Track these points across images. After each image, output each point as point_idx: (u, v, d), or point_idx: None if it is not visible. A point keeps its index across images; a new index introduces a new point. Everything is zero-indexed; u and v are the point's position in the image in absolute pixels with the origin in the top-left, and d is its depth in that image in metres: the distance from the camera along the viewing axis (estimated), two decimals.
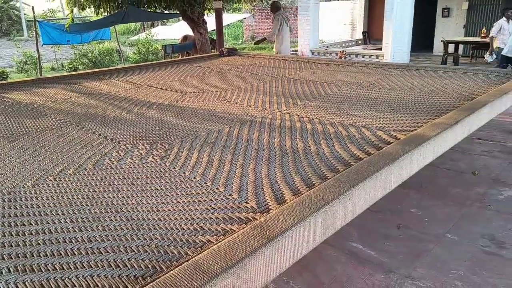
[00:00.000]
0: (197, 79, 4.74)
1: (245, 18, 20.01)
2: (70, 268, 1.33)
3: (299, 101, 3.47)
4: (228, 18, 16.55)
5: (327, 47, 11.08)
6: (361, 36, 13.41)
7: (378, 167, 1.96)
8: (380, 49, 8.93)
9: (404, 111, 2.97)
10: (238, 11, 21.31)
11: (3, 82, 6.89)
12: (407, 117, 2.81)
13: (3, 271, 1.33)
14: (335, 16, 16.31)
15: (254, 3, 13.20)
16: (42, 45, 11.47)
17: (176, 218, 1.63)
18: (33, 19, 11.06)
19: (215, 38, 8.91)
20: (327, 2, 16.94)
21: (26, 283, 1.27)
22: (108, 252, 1.42)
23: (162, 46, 11.85)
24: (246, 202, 1.75)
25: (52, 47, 14.31)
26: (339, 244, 2.60)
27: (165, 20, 21.27)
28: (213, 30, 9.08)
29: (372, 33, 13.36)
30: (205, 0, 9.80)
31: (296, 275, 2.34)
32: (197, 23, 9.91)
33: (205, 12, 10.08)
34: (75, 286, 1.24)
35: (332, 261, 2.45)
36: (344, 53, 9.14)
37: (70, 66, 14.00)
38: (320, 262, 2.44)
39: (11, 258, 1.40)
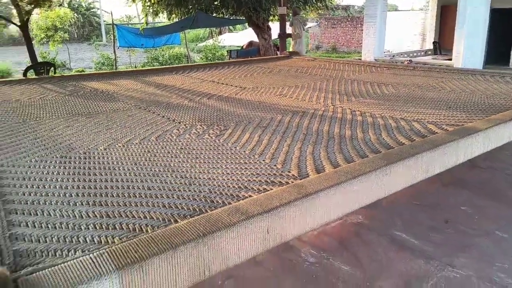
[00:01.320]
0: (257, 77, 4.95)
1: (310, 27, 20.16)
2: (131, 205, 1.55)
3: (354, 98, 3.56)
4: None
5: (393, 56, 10.92)
6: (431, 47, 13.05)
7: (420, 150, 2.03)
8: (451, 59, 8.69)
9: (461, 110, 2.96)
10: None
11: (84, 73, 7.60)
12: (462, 114, 2.81)
13: (83, 203, 1.58)
14: (405, 26, 16.00)
15: (319, 11, 13.32)
16: (118, 48, 12.36)
17: (224, 179, 1.81)
18: (111, 23, 11.96)
19: (278, 44, 9.16)
20: (397, 12, 16.67)
21: (96, 212, 1.50)
22: (163, 197, 1.63)
23: (228, 51, 12.30)
24: (288, 172, 1.90)
25: (127, 50, 15.32)
26: (382, 231, 2.65)
27: (232, 27, 21.97)
28: (276, 38, 9.37)
29: (443, 43, 12.94)
30: (270, 7, 10.10)
31: (337, 253, 2.43)
32: (261, 29, 10.22)
33: (270, 18, 10.37)
34: (135, 217, 1.45)
35: (374, 245, 2.51)
36: (410, 63, 8.99)
37: (142, 67, 14.92)
38: (362, 244, 2.52)
39: (84, 195, 1.66)
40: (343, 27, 19.98)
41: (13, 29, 24.50)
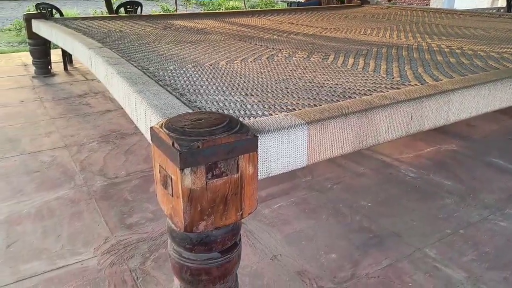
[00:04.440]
0: (333, 21, 5.00)
1: None
2: (280, 97, 1.76)
3: (444, 37, 3.58)
4: None
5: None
6: (503, 4, 12.35)
7: None
8: None
9: None
10: None
11: (169, 13, 7.96)
12: None
13: (236, 93, 1.81)
14: None
15: None
16: None
17: (349, 86, 1.98)
18: None
19: None
20: None
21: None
22: (303, 92, 1.83)
23: (288, 3, 12.20)
24: (392, 79, 2.04)
25: (183, 3, 15.47)
26: (478, 157, 2.77)
27: None
28: None
29: None
30: None
31: (436, 172, 2.58)
32: None
33: None
34: (292, 103, 1.66)
35: (472, 167, 2.65)
36: None
37: None
38: (459, 166, 2.65)
39: (234, 89, 1.88)
40: None
41: None
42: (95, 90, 4.50)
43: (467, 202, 2.26)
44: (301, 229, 2.05)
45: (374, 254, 1.86)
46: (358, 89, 1.91)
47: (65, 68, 5.44)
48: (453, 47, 3.06)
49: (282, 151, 1.30)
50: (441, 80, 2.00)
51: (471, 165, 2.68)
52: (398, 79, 2.12)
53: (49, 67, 5.16)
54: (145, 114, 1.53)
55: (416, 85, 1.95)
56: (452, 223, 2.08)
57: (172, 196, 1.12)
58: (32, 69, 5.20)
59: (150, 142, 1.22)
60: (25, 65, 5.66)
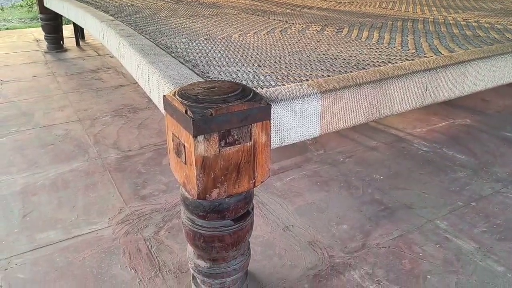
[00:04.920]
0: None
1: None
2: (294, 68, 1.75)
3: (461, 10, 3.49)
4: None
5: None
6: None
7: None
8: None
9: None
10: None
11: None
12: None
13: (252, 64, 1.80)
14: None
15: None
16: None
17: (363, 57, 1.96)
18: None
19: None
20: None
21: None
22: (316, 63, 1.81)
23: None
24: (407, 51, 2.00)
25: None
26: (492, 132, 2.74)
27: None
28: None
29: None
30: None
31: (449, 144, 2.56)
32: None
33: None
34: (306, 74, 1.65)
35: (485, 141, 2.62)
36: None
37: None
38: (473, 140, 2.62)
39: (251, 60, 1.87)
40: None
41: None
42: (108, 65, 4.51)
43: (479, 176, 2.25)
44: (313, 201, 2.07)
45: (385, 225, 1.87)
46: (372, 60, 1.89)
47: (77, 44, 5.44)
48: (469, 20, 2.99)
49: (295, 120, 1.30)
50: (457, 52, 1.96)
51: (484, 139, 2.65)
52: (414, 51, 2.08)
53: (61, 42, 5.17)
54: (157, 85, 1.54)
55: (431, 56, 1.92)
56: (464, 196, 2.08)
57: (185, 164, 1.13)
58: (45, 44, 5.21)
59: (163, 111, 1.23)
60: (37, 41, 5.68)
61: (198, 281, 1.44)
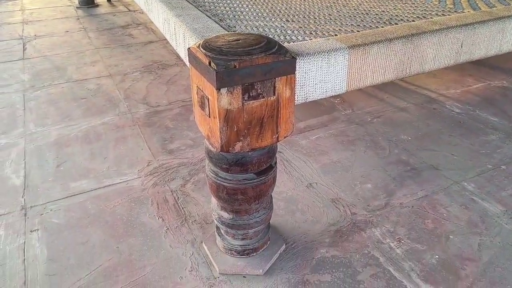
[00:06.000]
0: None
1: None
2: (323, 23, 1.70)
3: None
4: None
5: None
6: None
7: None
8: None
9: None
10: None
11: None
12: None
13: (286, 20, 1.76)
14: None
15: None
16: None
17: (397, 13, 1.88)
18: None
19: None
20: None
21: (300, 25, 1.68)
22: (347, 19, 1.75)
23: None
24: (445, 6, 1.90)
25: None
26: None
27: None
28: None
29: None
30: None
31: (483, 108, 2.48)
32: None
33: None
34: (336, 30, 1.60)
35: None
36: None
37: None
38: (509, 102, 2.52)
39: (278, 19, 1.83)
40: None
41: None
42: (138, 22, 4.51)
43: None
44: (338, 159, 2.06)
45: (410, 185, 1.86)
46: (406, 16, 1.81)
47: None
48: None
49: (321, 75, 1.28)
50: (497, 7, 1.85)
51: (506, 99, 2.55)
52: (452, 6, 1.98)
53: None
54: (184, 38, 1.53)
55: (469, 12, 1.82)
56: (495, 159, 2.02)
57: (209, 116, 1.15)
58: None
59: (188, 64, 1.23)
60: None
61: (222, 231, 1.49)
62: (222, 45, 1.12)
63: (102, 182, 1.93)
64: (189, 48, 1.19)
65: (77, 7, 5.07)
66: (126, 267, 1.48)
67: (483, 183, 1.86)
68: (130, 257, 1.52)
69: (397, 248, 1.54)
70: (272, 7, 1.98)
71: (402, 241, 1.57)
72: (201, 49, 1.11)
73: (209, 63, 1.05)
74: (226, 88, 1.06)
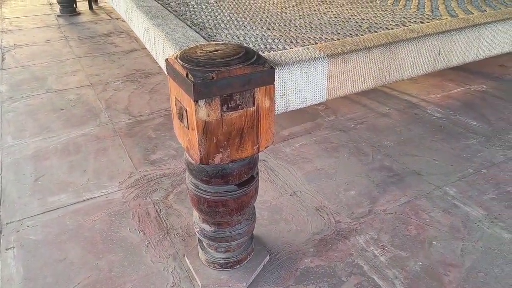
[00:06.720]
0: None
1: None
2: (304, 31, 1.70)
3: None
4: None
5: None
6: None
7: None
8: None
9: None
10: None
11: None
12: None
13: (260, 27, 1.76)
14: None
15: None
16: None
17: (377, 20, 1.89)
18: None
19: None
20: None
21: (276, 37, 1.67)
22: (327, 27, 1.76)
23: None
24: (423, 13, 1.93)
25: None
26: (508, 97, 2.66)
27: None
28: None
29: None
30: None
31: (463, 111, 2.50)
32: None
33: None
34: (315, 37, 1.60)
35: (500, 108, 2.55)
36: None
37: None
38: (488, 107, 2.56)
39: (256, 24, 1.83)
40: None
41: None
42: (120, 30, 4.47)
43: (492, 143, 2.20)
44: (322, 167, 2.06)
45: (393, 191, 1.87)
46: (385, 23, 1.82)
47: (90, 7, 5.39)
48: None
49: (301, 84, 1.28)
50: (474, 14, 1.88)
51: (500, 106, 2.59)
52: (430, 13, 2.00)
53: (74, 6, 5.12)
54: (163, 48, 1.52)
55: (446, 19, 1.84)
56: (475, 163, 2.04)
57: (188, 128, 1.13)
58: (57, 8, 5.18)
59: (166, 74, 1.22)
60: (50, 4, 5.64)
61: (204, 244, 1.47)
62: (200, 56, 1.10)
63: (82, 196, 1.89)
64: (166, 59, 1.17)
65: (58, 16, 5.01)
66: (106, 284, 1.45)
67: (464, 187, 1.87)
68: (110, 274, 1.49)
69: (381, 255, 1.54)
70: (253, 16, 1.97)
71: (386, 248, 1.57)
72: (179, 60, 1.10)
73: (187, 75, 1.04)
74: (204, 100, 1.04)
